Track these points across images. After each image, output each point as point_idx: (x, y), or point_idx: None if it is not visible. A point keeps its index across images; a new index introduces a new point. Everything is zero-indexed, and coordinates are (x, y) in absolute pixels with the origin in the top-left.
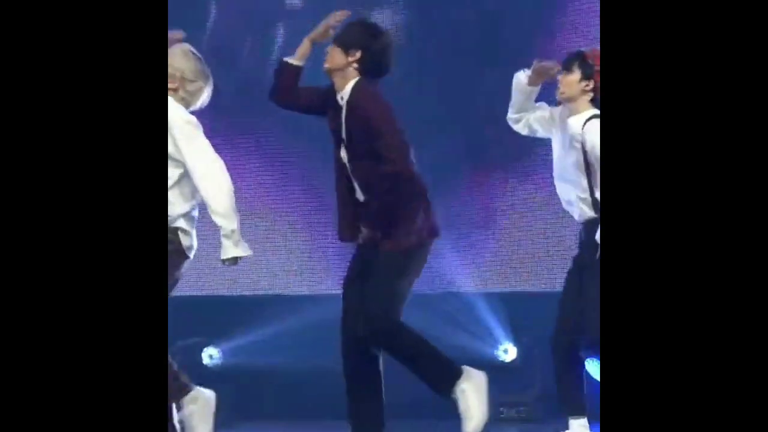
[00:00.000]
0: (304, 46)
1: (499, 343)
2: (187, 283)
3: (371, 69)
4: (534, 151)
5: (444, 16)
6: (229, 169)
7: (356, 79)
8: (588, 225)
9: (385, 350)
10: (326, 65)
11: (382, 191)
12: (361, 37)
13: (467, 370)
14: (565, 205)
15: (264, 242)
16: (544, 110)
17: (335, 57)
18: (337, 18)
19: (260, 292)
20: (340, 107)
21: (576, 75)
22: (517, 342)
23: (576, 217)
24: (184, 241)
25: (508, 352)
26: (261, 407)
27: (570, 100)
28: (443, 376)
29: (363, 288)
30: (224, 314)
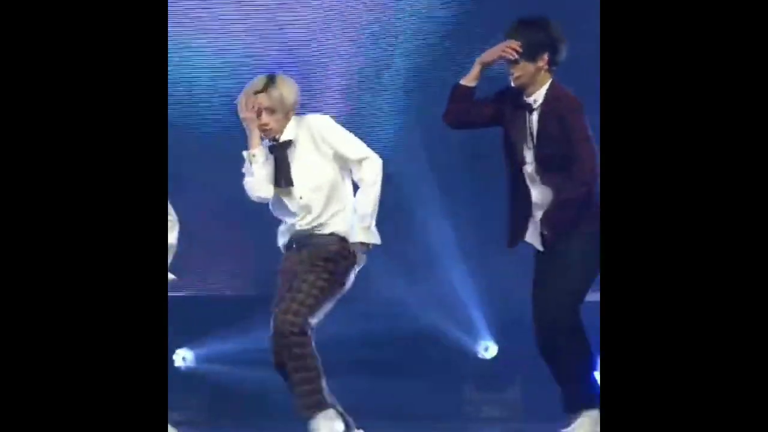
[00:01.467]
0: (476, 70)
1: (481, 340)
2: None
3: (558, 62)
4: None
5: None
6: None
7: (550, 81)
8: None
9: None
10: (517, 81)
11: (577, 193)
12: (540, 40)
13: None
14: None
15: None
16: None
17: (526, 70)
18: (509, 49)
19: (235, 294)
20: (531, 110)
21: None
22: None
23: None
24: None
25: (488, 349)
26: (233, 410)
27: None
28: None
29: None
30: (197, 316)
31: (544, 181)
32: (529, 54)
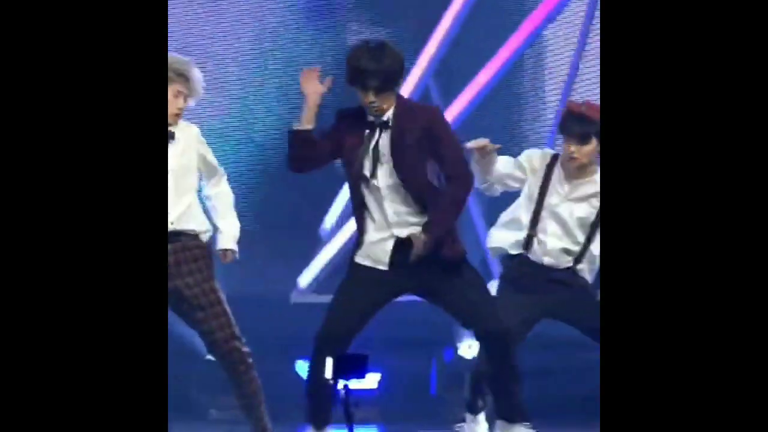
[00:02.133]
0: (311, 112)
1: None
2: None
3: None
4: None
5: None
6: None
7: (393, 96)
8: (565, 271)
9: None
10: (378, 112)
11: (454, 196)
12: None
13: None
14: (508, 248)
15: None
16: (510, 167)
17: (385, 99)
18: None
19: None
20: (384, 128)
21: (593, 143)
22: None
23: (547, 261)
24: None
25: (471, 347)
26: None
27: (589, 165)
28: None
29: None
30: None
31: (410, 191)
32: (384, 87)
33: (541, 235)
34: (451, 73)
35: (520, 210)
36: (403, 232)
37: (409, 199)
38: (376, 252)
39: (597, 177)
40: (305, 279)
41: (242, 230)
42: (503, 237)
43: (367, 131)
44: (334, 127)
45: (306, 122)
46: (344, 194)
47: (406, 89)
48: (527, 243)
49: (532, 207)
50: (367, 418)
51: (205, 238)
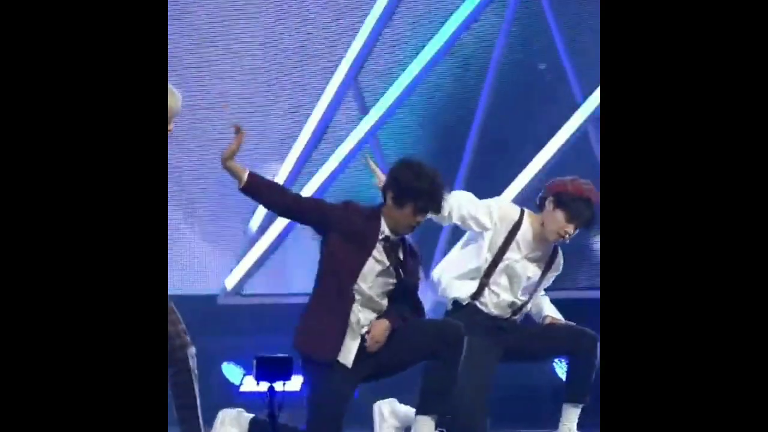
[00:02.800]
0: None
1: None
2: None
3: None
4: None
5: None
6: None
7: None
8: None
9: None
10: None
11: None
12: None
13: None
14: (452, 292)
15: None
16: (476, 210)
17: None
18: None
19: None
20: (396, 243)
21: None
22: None
23: (495, 312)
24: None
25: None
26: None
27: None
28: None
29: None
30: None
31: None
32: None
33: (494, 287)
34: (375, 72)
35: (473, 258)
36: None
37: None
38: (345, 353)
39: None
40: (231, 281)
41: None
42: (464, 288)
43: (384, 243)
44: (341, 212)
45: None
46: None
47: (331, 89)
48: (478, 292)
49: (490, 258)
50: (292, 420)
51: None
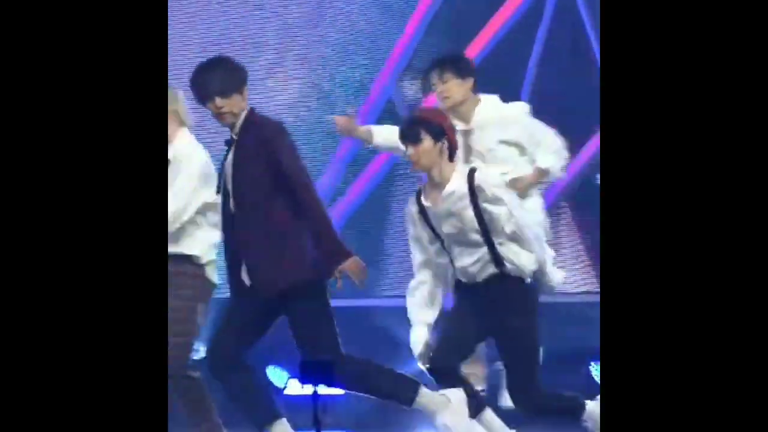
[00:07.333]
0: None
1: None
2: None
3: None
4: None
5: None
6: None
7: (246, 110)
8: (490, 281)
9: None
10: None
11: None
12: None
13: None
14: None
15: None
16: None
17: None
18: None
19: None
20: (231, 143)
21: (428, 142)
22: None
23: (473, 280)
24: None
25: None
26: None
27: (432, 168)
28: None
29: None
30: None
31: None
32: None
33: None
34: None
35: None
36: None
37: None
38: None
39: (453, 184)
40: None
41: None
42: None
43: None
44: None
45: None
46: None
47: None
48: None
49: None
50: (335, 424)
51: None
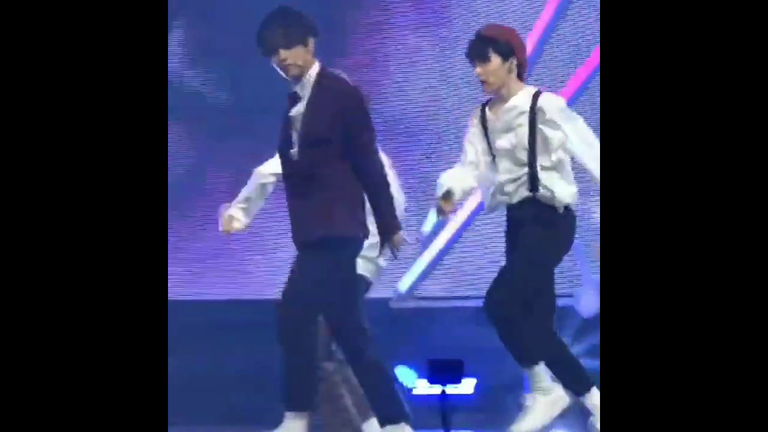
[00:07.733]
0: None
1: None
2: None
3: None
4: None
5: None
6: None
7: (317, 65)
8: (523, 203)
9: None
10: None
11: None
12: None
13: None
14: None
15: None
16: (469, 176)
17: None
18: None
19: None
20: (297, 99)
21: (496, 60)
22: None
23: (507, 201)
24: None
25: None
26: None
27: (500, 87)
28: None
29: None
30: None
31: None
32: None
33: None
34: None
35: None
36: None
37: None
38: None
39: (516, 100)
40: (405, 283)
41: None
42: None
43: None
44: None
45: None
46: None
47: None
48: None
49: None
50: (464, 423)
51: None
